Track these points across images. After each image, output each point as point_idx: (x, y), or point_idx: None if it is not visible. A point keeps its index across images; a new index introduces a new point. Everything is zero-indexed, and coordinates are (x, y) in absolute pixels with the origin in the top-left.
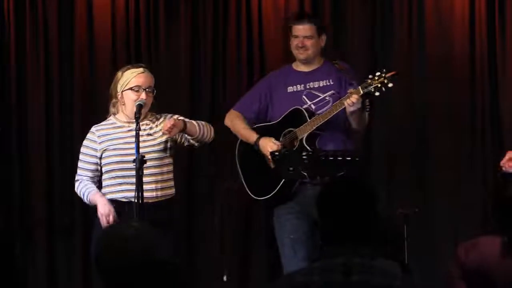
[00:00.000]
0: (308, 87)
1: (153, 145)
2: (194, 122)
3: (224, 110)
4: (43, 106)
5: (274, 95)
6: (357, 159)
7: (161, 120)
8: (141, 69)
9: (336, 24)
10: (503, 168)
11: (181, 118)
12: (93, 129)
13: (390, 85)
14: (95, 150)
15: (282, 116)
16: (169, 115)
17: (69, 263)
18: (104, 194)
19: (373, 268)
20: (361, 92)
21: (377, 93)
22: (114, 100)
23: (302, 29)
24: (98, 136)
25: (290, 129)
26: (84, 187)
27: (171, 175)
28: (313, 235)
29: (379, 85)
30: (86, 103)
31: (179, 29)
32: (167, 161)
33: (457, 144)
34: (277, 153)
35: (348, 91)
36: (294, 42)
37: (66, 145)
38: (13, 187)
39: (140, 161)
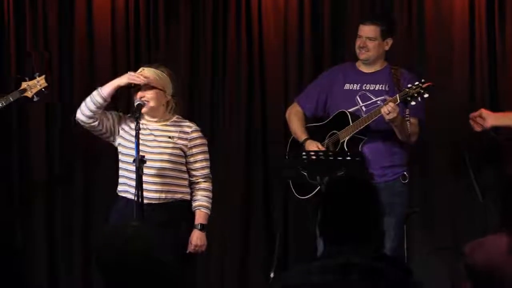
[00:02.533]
0: (364, 88)
1: (171, 148)
2: (208, 211)
3: (224, 110)
4: (43, 106)
5: (333, 89)
6: (357, 159)
7: (185, 129)
8: (141, 68)
9: (335, 24)
10: (470, 121)
11: (205, 210)
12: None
13: (426, 95)
14: (116, 118)
15: (330, 117)
16: (194, 133)
17: (69, 254)
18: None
19: (374, 268)
20: (398, 100)
21: (412, 102)
22: None
23: (365, 30)
24: (124, 120)
25: (334, 131)
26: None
27: (183, 181)
28: None
29: (415, 95)
30: None
31: (179, 29)
32: (181, 166)
33: (456, 143)
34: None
35: (387, 99)
36: (357, 42)
37: (66, 145)
38: (13, 186)
39: (140, 161)
